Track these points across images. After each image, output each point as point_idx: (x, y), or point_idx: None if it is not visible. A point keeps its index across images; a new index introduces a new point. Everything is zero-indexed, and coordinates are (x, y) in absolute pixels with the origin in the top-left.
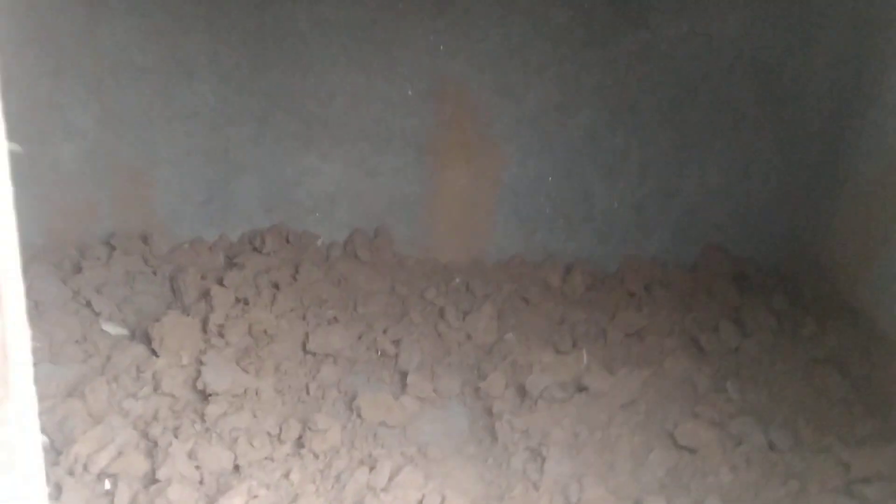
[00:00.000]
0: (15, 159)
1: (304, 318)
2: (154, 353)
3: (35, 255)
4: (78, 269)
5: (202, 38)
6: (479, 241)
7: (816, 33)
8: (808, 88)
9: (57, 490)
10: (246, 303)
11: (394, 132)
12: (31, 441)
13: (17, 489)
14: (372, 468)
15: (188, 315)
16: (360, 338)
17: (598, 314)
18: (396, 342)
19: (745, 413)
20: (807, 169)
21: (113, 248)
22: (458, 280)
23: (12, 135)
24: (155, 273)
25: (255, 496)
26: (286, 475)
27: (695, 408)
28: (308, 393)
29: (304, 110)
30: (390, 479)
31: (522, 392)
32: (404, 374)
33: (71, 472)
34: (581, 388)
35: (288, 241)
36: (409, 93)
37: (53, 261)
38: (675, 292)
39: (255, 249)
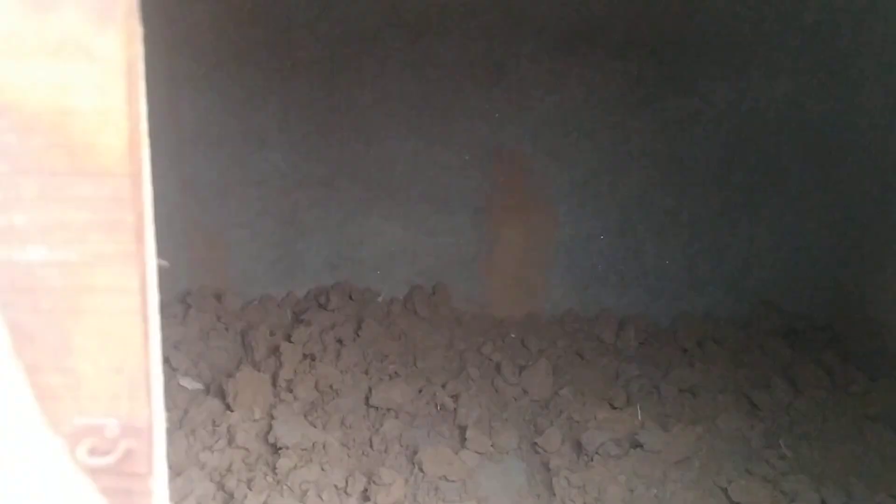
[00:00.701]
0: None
1: (366, 372)
2: (228, 407)
3: None
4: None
5: (274, 110)
6: (534, 297)
7: (860, 96)
8: (854, 149)
9: None
10: (313, 358)
11: (451, 194)
12: None
13: None
14: None
15: (259, 370)
16: (420, 392)
17: (652, 370)
18: (455, 397)
19: (798, 471)
20: (856, 226)
21: (189, 306)
22: (513, 335)
23: None
24: (227, 329)
25: None
26: None
27: (748, 465)
28: (371, 447)
29: (366, 175)
30: None
31: (578, 448)
32: (463, 429)
33: None
34: (636, 445)
35: (351, 298)
36: (466, 157)
37: None
38: (727, 348)
39: (320, 306)
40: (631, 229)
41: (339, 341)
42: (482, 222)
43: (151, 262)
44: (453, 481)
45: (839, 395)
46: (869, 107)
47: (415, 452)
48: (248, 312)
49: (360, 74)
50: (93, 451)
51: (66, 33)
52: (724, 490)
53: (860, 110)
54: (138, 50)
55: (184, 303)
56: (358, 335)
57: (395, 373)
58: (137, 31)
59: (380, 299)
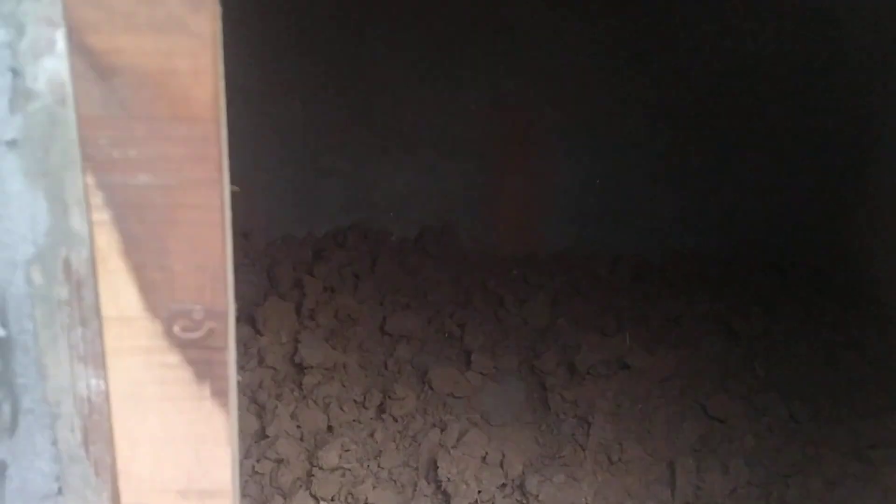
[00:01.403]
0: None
1: (381, 303)
2: (258, 332)
3: None
4: None
5: (293, 63)
6: (535, 236)
7: (840, 52)
8: (834, 99)
9: None
10: (332, 290)
11: (458, 141)
12: None
13: None
14: (443, 430)
15: (284, 301)
16: (429, 322)
17: (642, 302)
18: (462, 325)
19: (770, 389)
20: (837, 172)
21: None
22: (515, 271)
23: None
24: (254, 265)
25: (347, 450)
26: (371, 434)
27: (725, 383)
28: (386, 368)
29: (379, 124)
30: (458, 439)
31: (572, 369)
32: (469, 353)
33: None
34: (624, 366)
35: (366, 238)
36: (472, 106)
37: None
38: (712, 282)
39: (338, 245)
40: (625, 173)
41: (356, 276)
42: (487, 168)
43: (227, 187)
44: (459, 397)
45: (813, 323)
46: (848, 62)
47: (425, 373)
48: (272, 250)
49: (373, 28)
50: (184, 329)
51: (170, 14)
52: (703, 405)
53: (840, 64)
54: (219, 25)
55: None
56: (373, 271)
57: (408, 304)
58: (218, 11)
59: (393, 239)
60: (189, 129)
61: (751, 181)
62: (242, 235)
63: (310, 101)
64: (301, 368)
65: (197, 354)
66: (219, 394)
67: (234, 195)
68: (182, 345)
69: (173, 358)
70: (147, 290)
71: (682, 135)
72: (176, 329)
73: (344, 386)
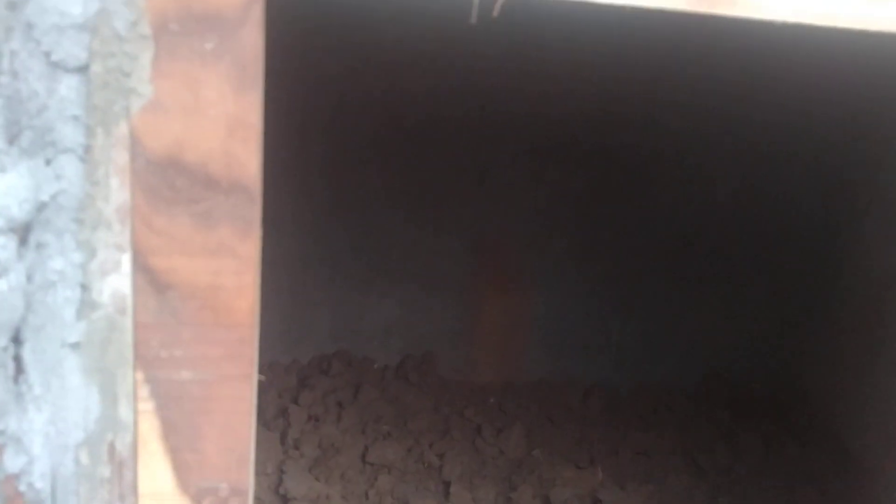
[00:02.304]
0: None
1: (363, 432)
2: None
3: None
4: None
5: (288, 199)
6: (511, 366)
7: (798, 197)
8: (793, 243)
9: None
10: (317, 419)
11: (441, 276)
12: None
13: None
14: None
15: (269, 430)
16: (409, 451)
17: (613, 434)
18: (440, 455)
19: None
20: (796, 311)
21: None
22: (492, 400)
23: None
24: None
25: None
26: None
27: None
28: (367, 499)
29: (367, 258)
30: None
31: (547, 503)
32: (447, 484)
33: None
34: (596, 501)
35: (350, 365)
36: (454, 245)
37: None
38: (678, 415)
39: (322, 372)
40: (596, 309)
41: (340, 404)
42: (467, 301)
43: (255, 380)
44: None
45: (774, 458)
46: (807, 206)
47: None
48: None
49: (365, 171)
50: None
51: (221, 243)
52: None
53: (796, 212)
54: (260, 248)
55: None
56: (356, 398)
57: (388, 433)
58: (260, 235)
59: (375, 366)
60: (228, 334)
61: (714, 318)
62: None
63: (301, 236)
64: (286, 500)
65: None
66: None
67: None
68: None
69: None
70: (180, 469)
71: (650, 274)
72: None
73: None
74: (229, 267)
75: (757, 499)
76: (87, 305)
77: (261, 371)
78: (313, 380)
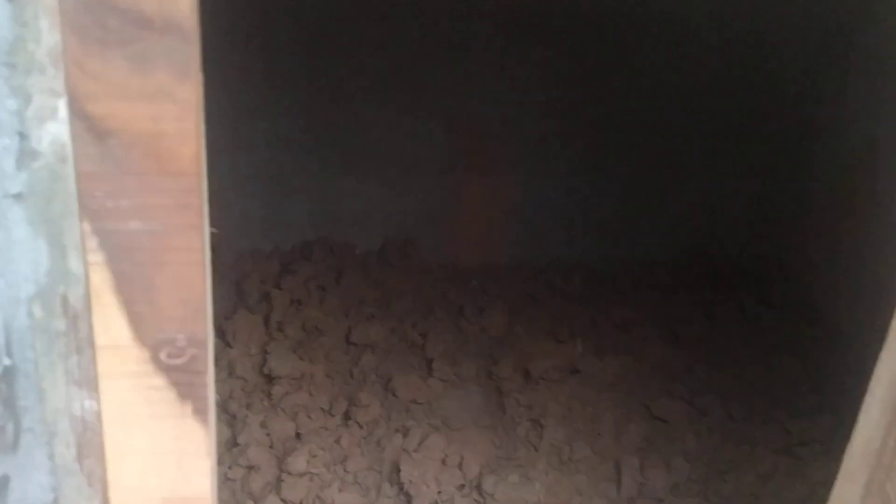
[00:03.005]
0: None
1: (347, 315)
2: (228, 344)
3: None
4: None
5: (261, 85)
6: (493, 248)
7: (782, 73)
8: (775, 116)
9: None
10: (299, 303)
11: (420, 159)
12: None
13: None
14: (405, 435)
15: (253, 313)
16: (393, 331)
17: (593, 309)
18: (424, 334)
19: (710, 391)
20: (778, 184)
21: None
22: (474, 282)
23: None
24: (223, 279)
25: (315, 456)
26: (337, 441)
27: (668, 387)
28: (352, 377)
29: (344, 141)
30: (420, 442)
31: (527, 375)
32: (430, 361)
33: None
34: (575, 371)
35: (332, 251)
36: (431, 126)
37: None
38: (658, 290)
39: (304, 258)
40: (577, 188)
41: (322, 288)
42: (447, 184)
43: (207, 231)
44: (422, 403)
45: (751, 328)
46: (785, 79)
47: (389, 380)
48: (240, 264)
49: (337, 52)
50: (169, 356)
51: (159, 86)
52: (647, 407)
53: (779, 83)
54: (201, 92)
55: None
56: (338, 283)
57: (372, 315)
58: (201, 80)
59: (357, 252)
60: (174, 182)
61: (696, 192)
62: (211, 249)
63: (276, 121)
64: (270, 379)
65: (180, 377)
66: (199, 412)
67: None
68: (167, 369)
69: (159, 381)
70: (135, 321)
71: (631, 150)
72: (162, 356)
73: (311, 395)
74: (170, 112)
75: (733, 367)
76: (26, 155)
77: (244, 262)
78: (295, 265)
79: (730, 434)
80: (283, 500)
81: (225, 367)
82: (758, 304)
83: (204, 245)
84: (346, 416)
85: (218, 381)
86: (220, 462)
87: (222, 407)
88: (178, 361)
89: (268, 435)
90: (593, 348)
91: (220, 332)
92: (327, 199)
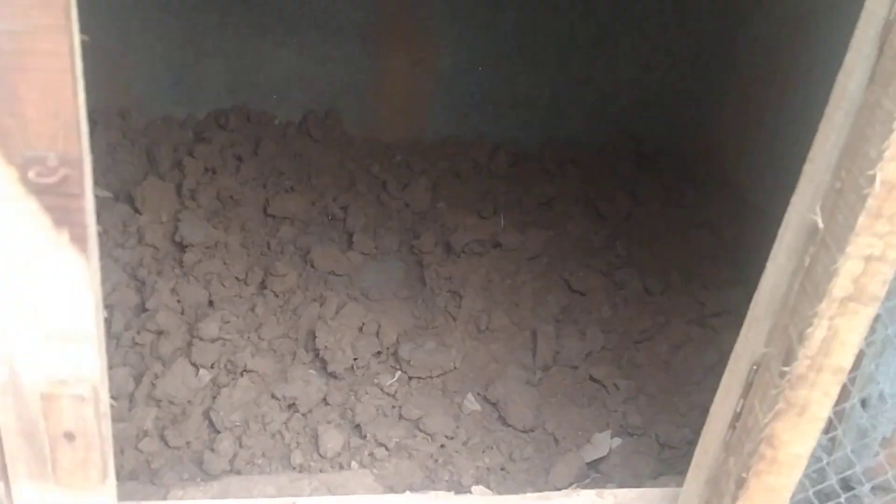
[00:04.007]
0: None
1: (264, 186)
2: (137, 211)
3: None
4: None
5: None
6: (418, 123)
7: None
8: None
9: None
10: (214, 172)
11: (342, 24)
12: None
13: None
14: (322, 304)
15: (164, 181)
16: (313, 204)
17: (518, 187)
18: (345, 208)
19: (629, 266)
20: (702, 64)
21: (95, 122)
22: (398, 157)
23: None
24: (133, 145)
25: (227, 322)
26: (252, 309)
27: (588, 261)
28: (269, 248)
29: (261, 2)
30: (337, 311)
31: (448, 248)
32: (351, 235)
33: None
34: (496, 245)
35: (249, 120)
36: None
37: None
38: (583, 169)
39: (220, 126)
40: (506, 62)
41: (239, 158)
42: (371, 52)
43: (77, 35)
44: (340, 275)
45: (673, 206)
46: None
47: (307, 252)
48: (151, 130)
49: None
50: (39, 175)
51: None
52: (566, 281)
53: None
54: None
55: (90, 119)
56: (256, 153)
57: (291, 188)
58: None
59: (276, 122)
60: None
61: (623, 71)
62: (119, 115)
63: None
64: (182, 247)
65: (53, 201)
66: (78, 240)
67: (85, 47)
68: (38, 191)
69: (31, 205)
70: (1, 136)
71: (560, 24)
72: (31, 175)
73: (225, 264)
74: None
75: (653, 243)
76: None
77: (155, 129)
78: (210, 133)
79: (645, 306)
80: (193, 364)
81: (134, 234)
82: (680, 182)
83: (73, 51)
84: (262, 286)
85: (127, 247)
86: (127, 327)
87: (131, 274)
88: (50, 181)
89: (178, 301)
90: (516, 224)
91: (130, 199)
92: (244, 64)
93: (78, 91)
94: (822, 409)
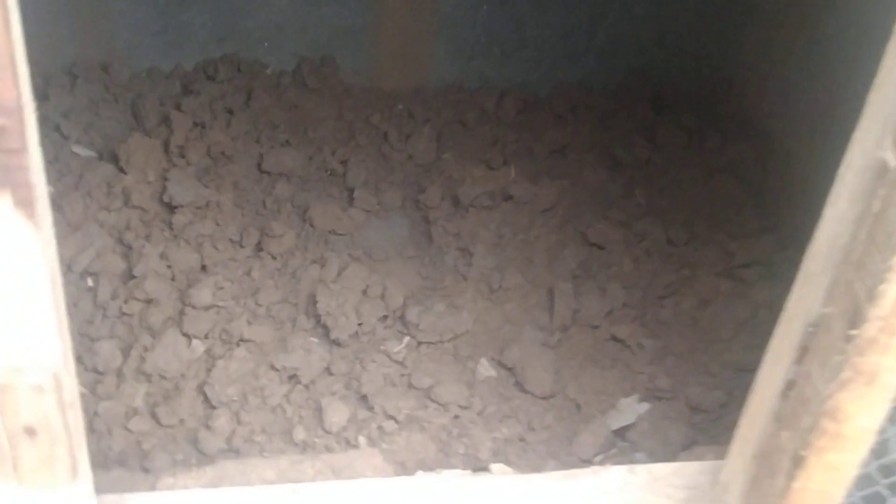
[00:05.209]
0: None
1: (258, 140)
2: (122, 170)
3: None
4: (45, 97)
5: None
6: (420, 69)
7: None
8: None
9: None
10: (203, 126)
11: None
12: None
13: None
14: (323, 266)
15: (150, 137)
16: (310, 159)
17: (528, 135)
18: (344, 162)
19: (650, 215)
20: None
21: (76, 76)
22: (400, 106)
23: None
24: (116, 100)
25: (221, 288)
26: (248, 273)
27: (606, 212)
28: (265, 206)
29: None
30: (339, 273)
31: (456, 202)
32: (351, 190)
33: None
34: (507, 197)
35: (239, 70)
36: None
37: None
38: (598, 114)
39: (208, 78)
40: (510, 5)
41: (229, 111)
42: None
43: None
44: (342, 234)
45: (694, 150)
46: None
47: (305, 210)
48: (136, 84)
49: None
50: None
51: None
52: (583, 233)
53: None
54: None
55: (70, 74)
56: (248, 105)
57: (287, 141)
58: None
59: (268, 71)
60: None
61: (638, 8)
62: (101, 68)
63: None
64: (171, 208)
65: None
66: (23, 204)
67: None
68: None
69: None
70: None
71: None
72: None
73: (218, 225)
74: None
75: (674, 190)
76: None
77: (139, 79)
78: (198, 85)
79: (669, 258)
80: (185, 335)
81: (120, 196)
82: (702, 126)
83: None
84: (258, 248)
85: (112, 210)
86: (114, 296)
87: (118, 238)
88: None
89: (168, 266)
90: (527, 174)
91: (113, 157)
92: (232, 9)
93: (11, 24)
94: (893, 376)
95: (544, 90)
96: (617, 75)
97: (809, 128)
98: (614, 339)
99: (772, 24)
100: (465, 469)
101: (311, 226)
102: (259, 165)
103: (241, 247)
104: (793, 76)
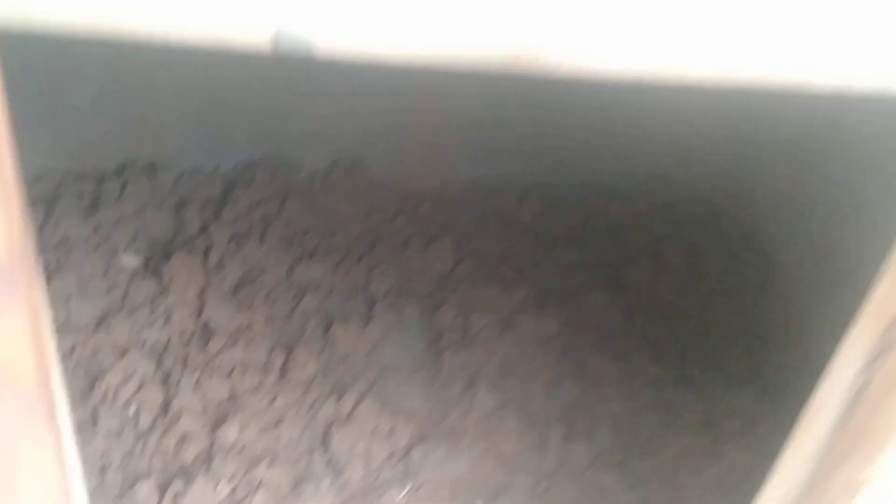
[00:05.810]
0: None
1: (289, 247)
2: (164, 288)
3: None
4: (96, 207)
5: None
6: (446, 168)
7: None
8: None
9: (93, 417)
10: (240, 239)
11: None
12: None
13: None
14: (339, 398)
15: (190, 253)
16: (336, 266)
17: (542, 247)
18: (369, 270)
19: (645, 348)
20: (741, 122)
21: (126, 182)
22: (423, 209)
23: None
24: (161, 205)
25: (247, 426)
26: (272, 401)
27: (605, 342)
28: (291, 321)
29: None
30: (353, 409)
31: (466, 326)
32: (373, 304)
33: (103, 402)
34: (514, 325)
35: (276, 173)
36: None
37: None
38: (609, 223)
39: (247, 181)
40: (535, 106)
41: (265, 219)
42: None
43: None
44: (360, 354)
45: (698, 272)
46: None
47: (329, 326)
48: (179, 187)
49: None
50: None
51: None
52: (581, 366)
53: None
54: None
55: (118, 176)
56: (282, 210)
57: (315, 248)
58: None
59: (302, 174)
60: None
61: (657, 120)
62: (149, 168)
63: None
64: (207, 328)
65: None
66: None
67: None
68: None
69: None
70: None
71: None
72: None
73: (248, 348)
74: None
75: (672, 318)
76: None
77: (184, 179)
78: (237, 191)
79: (657, 400)
80: (212, 479)
81: (161, 316)
82: (708, 242)
83: None
84: (283, 372)
85: (154, 328)
86: (152, 427)
87: (157, 361)
88: None
89: (201, 398)
90: (535, 294)
91: (157, 270)
92: (272, 112)
93: None
94: None
95: (564, 190)
96: (634, 182)
97: (813, 253)
98: (598, 487)
99: (780, 154)
100: None
101: (333, 345)
102: (288, 275)
103: (268, 373)
104: (798, 201)
